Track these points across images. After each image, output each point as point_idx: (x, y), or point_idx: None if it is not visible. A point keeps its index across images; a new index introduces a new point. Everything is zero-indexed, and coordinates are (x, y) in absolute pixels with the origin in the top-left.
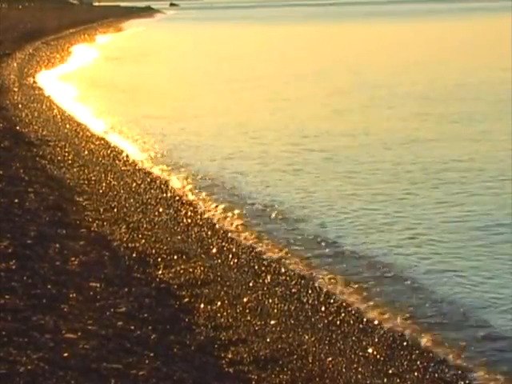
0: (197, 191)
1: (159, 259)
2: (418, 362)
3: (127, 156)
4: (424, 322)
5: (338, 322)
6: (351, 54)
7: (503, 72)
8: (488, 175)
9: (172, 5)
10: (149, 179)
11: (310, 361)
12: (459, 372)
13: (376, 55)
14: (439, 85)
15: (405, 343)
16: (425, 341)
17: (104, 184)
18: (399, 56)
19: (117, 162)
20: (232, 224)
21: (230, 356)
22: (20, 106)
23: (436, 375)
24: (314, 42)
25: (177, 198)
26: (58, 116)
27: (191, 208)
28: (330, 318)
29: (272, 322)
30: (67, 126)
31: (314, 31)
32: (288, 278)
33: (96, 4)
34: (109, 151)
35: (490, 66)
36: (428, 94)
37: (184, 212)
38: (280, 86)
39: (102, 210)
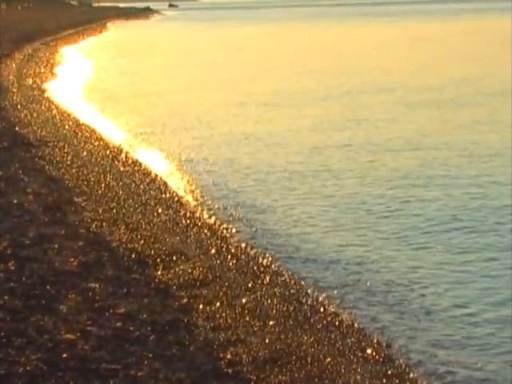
0: (196, 192)
1: (158, 260)
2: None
3: (126, 156)
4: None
5: (337, 323)
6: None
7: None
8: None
9: (171, 6)
10: (148, 180)
11: (309, 361)
12: None
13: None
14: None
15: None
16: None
17: (103, 185)
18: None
19: (116, 162)
20: (231, 224)
21: (228, 357)
22: (19, 106)
23: None
24: (312, 43)
25: (176, 198)
26: (57, 117)
27: (190, 209)
28: (329, 319)
29: (271, 323)
30: (66, 126)
31: (314, 32)
32: (287, 279)
33: (95, 5)
34: (108, 152)
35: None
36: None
37: (183, 213)
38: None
39: (100, 210)
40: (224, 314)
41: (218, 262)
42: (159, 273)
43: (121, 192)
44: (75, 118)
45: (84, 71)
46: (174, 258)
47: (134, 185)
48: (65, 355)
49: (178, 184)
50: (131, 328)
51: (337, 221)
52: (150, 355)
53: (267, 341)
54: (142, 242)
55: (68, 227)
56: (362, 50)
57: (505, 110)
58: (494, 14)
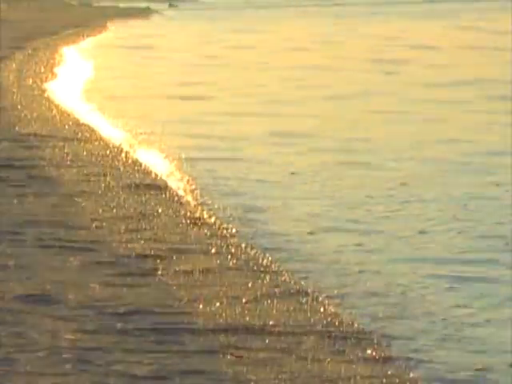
0: (196, 192)
1: (158, 260)
2: None
3: (126, 156)
4: None
5: (337, 323)
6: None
7: None
8: None
9: (171, 5)
10: (147, 180)
11: (309, 361)
12: None
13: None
14: None
15: None
16: None
17: (103, 184)
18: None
19: (116, 162)
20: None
21: (229, 357)
22: (19, 106)
23: None
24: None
25: (176, 198)
26: (57, 117)
27: (190, 209)
28: (329, 319)
29: (271, 323)
30: (66, 126)
31: (312, 30)
32: (287, 279)
33: (95, 5)
34: (108, 152)
35: None
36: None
37: (183, 213)
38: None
39: (100, 210)
40: (224, 314)
41: (218, 262)
42: (159, 272)
43: (121, 192)
44: (75, 118)
45: (84, 71)
46: (174, 257)
47: (133, 185)
48: (65, 356)
49: (178, 184)
50: (131, 328)
51: (337, 221)
52: (151, 355)
53: (267, 341)
54: (142, 241)
55: (68, 227)
56: None
57: (505, 109)
58: None
